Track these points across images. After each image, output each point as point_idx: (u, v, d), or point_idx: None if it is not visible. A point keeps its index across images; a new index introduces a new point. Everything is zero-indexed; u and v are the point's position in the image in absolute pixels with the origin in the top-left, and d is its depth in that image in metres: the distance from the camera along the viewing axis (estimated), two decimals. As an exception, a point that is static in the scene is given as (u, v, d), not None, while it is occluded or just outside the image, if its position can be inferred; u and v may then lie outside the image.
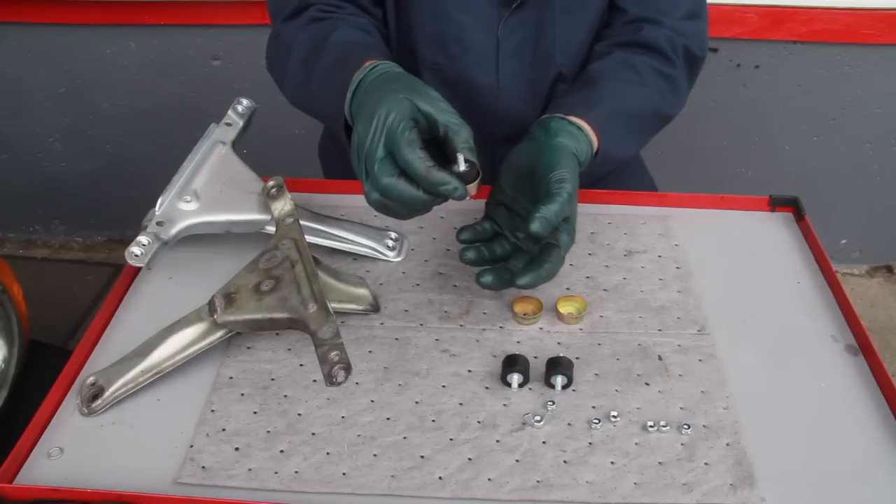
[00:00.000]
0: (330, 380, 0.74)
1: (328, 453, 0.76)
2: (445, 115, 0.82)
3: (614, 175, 1.22)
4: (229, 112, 1.05)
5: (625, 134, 1.03)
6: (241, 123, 1.05)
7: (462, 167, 0.82)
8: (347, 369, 0.74)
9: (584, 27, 1.10)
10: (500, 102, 1.11)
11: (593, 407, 0.81)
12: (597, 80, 1.05)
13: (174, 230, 0.92)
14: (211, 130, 1.03)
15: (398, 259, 1.00)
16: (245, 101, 1.06)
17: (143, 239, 0.88)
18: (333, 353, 0.75)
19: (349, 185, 1.11)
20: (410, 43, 1.11)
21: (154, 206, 0.93)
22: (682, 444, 0.77)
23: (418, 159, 0.80)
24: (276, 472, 0.74)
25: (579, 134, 0.95)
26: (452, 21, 1.07)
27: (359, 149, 0.82)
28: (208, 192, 0.96)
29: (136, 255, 0.87)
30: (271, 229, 0.94)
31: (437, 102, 0.83)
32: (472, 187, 0.83)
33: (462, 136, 0.82)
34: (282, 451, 0.76)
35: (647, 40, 1.07)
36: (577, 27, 1.10)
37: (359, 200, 0.99)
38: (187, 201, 0.94)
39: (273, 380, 0.83)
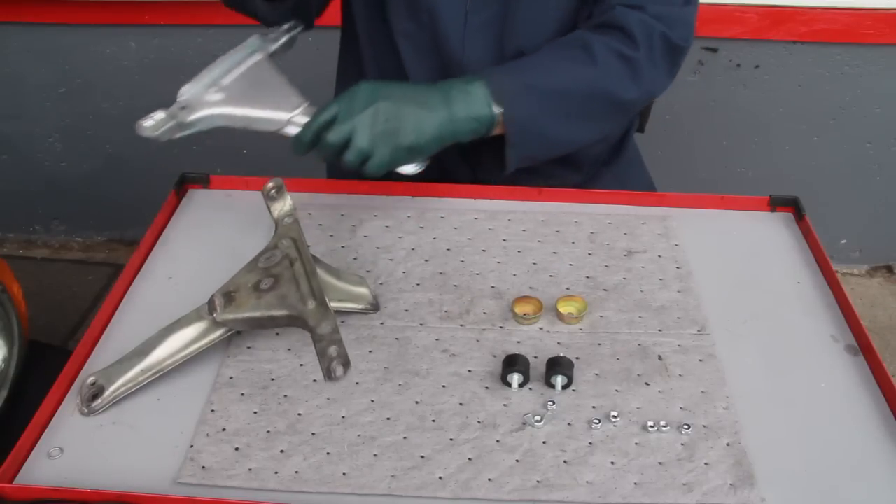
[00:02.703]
0: (328, 374, 0.73)
1: (328, 453, 0.76)
2: None
3: (614, 175, 1.22)
4: (272, 29, 1.06)
5: (563, 112, 1.03)
6: (283, 39, 1.05)
7: None
8: (346, 364, 0.74)
9: (551, 12, 1.09)
10: (466, 74, 1.11)
11: (593, 407, 0.81)
12: (538, 53, 1.06)
13: (194, 116, 0.94)
14: (252, 41, 1.04)
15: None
16: (289, 24, 1.07)
17: (159, 113, 0.87)
18: (332, 348, 0.75)
19: (349, 184, 1.11)
20: (383, 9, 1.11)
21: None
22: (682, 444, 0.77)
23: None
24: (276, 472, 0.74)
25: (476, 94, 0.99)
26: None
27: None
28: (235, 87, 0.97)
29: (146, 127, 0.86)
30: (291, 131, 0.96)
31: None
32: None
33: None
34: (282, 451, 0.76)
35: (615, 21, 1.05)
36: (543, 11, 1.09)
37: (361, 200, 0.99)
38: (213, 92, 0.95)
39: (273, 380, 0.83)
